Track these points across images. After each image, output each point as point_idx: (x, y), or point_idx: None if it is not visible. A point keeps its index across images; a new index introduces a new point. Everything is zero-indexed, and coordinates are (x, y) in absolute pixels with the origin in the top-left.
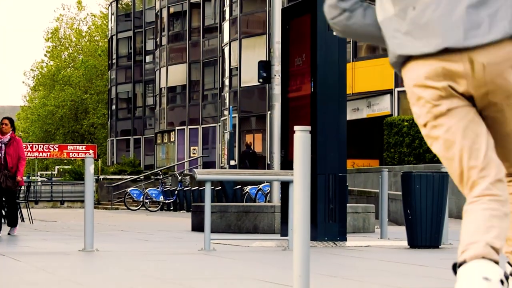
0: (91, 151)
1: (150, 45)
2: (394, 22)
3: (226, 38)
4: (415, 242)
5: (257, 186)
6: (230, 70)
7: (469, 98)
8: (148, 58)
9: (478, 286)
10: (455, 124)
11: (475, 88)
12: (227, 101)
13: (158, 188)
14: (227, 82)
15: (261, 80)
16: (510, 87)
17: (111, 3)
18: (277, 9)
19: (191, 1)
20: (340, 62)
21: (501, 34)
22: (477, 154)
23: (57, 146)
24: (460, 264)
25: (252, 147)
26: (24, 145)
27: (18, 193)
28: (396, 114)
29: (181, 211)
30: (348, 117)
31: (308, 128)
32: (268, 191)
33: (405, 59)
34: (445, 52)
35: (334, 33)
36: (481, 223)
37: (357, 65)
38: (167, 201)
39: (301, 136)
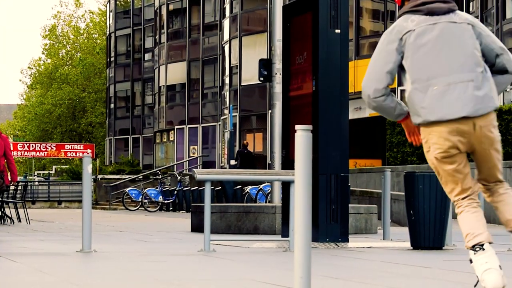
0: (89, 151)
1: (149, 43)
2: (418, 96)
3: (226, 36)
4: (418, 243)
5: (257, 186)
6: (230, 68)
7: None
8: (147, 56)
9: (492, 272)
10: (455, 162)
11: (475, 140)
12: (227, 99)
13: (157, 188)
14: (227, 80)
15: (261, 79)
16: (493, 138)
17: (109, 0)
18: (278, 7)
19: None
20: (342, 61)
21: (491, 108)
22: (469, 180)
23: (54, 145)
24: (477, 245)
25: (248, 147)
26: (21, 144)
27: (14, 193)
28: None
29: (181, 212)
30: (350, 116)
31: (310, 127)
32: (269, 191)
33: (431, 122)
34: (461, 118)
35: (367, 108)
36: (480, 220)
37: (359, 63)
38: (166, 201)
39: (303, 136)
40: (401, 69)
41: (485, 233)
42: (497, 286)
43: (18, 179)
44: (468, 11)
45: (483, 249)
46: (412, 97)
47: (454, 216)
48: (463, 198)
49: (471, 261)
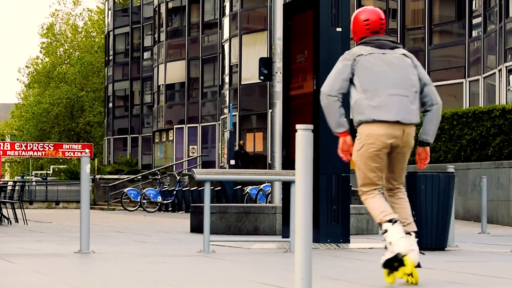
0: (87, 150)
1: (148, 41)
2: (365, 101)
3: (226, 34)
4: (420, 244)
5: (258, 187)
6: (230, 67)
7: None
8: (146, 55)
9: (405, 239)
10: (381, 161)
11: (400, 143)
12: (227, 99)
13: (156, 188)
14: (227, 79)
15: (262, 78)
16: (412, 145)
17: None
18: (278, 5)
19: None
20: None
21: (416, 121)
22: (380, 175)
23: (52, 145)
24: (393, 219)
25: (245, 147)
26: (18, 144)
27: (12, 193)
28: None
29: (180, 212)
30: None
31: (310, 126)
32: (269, 191)
33: (372, 121)
34: (396, 123)
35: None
36: (388, 204)
37: None
38: (165, 202)
39: (303, 135)
40: (351, 83)
41: (396, 214)
42: (407, 250)
43: (15, 179)
44: (471, 10)
45: (398, 223)
46: (360, 102)
47: (457, 217)
48: (374, 189)
49: (386, 231)
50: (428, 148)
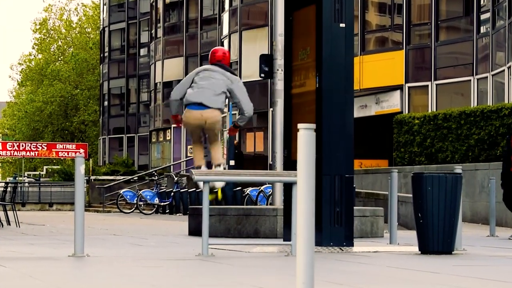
0: (81, 150)
1: (144, 38)
2: (190, 94)
3: (225, 30)
4: (426, 247)
5: (258, 188)
6: (230, 64)
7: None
8: (143, 51)
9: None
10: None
11: (205, 123)
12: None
13: (153, 189)
14: None
15: (262, 75)
16: (214, 126)
17: None
18: None
19: None
20: (347, 56)
21: (215, 106)
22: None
23: (45, 144)
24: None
25: (240, 147)
26: (10, 144)
27: (3, 195)
28: (407, 111)
29: (178, 214)
30: (355, 115)
31: (313, 126)
32: (270, 193)
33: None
34: (200, 105)
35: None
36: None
37: (365, 59)
38: (162, 204)
39: (305, 135)
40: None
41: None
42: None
43: (7, 180)
44: (479, 5)
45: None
46: (189, 93)
47: (464, 219)
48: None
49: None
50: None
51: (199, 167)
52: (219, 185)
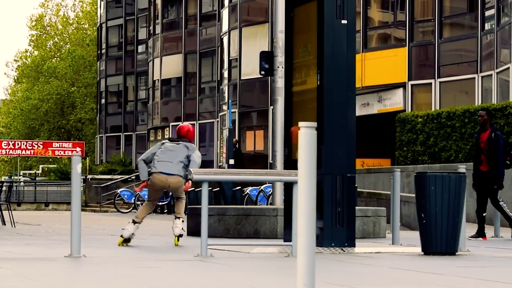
0: (78, 149)
1: (142, 34)
2: (155, 166)
3: (225, 27)
4: (429, 248)
5: (258, 187)
6: (230, 61)
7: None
8: (141, 48)
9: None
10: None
11: (169, 187)
12: (226, 95)
13: None
14: (226, 74)
15: (263, 72)
16: (179, 192)
17: None
18: None
19: None
20: (348, 53)
21: (178, 173)
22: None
23: (41, 143)
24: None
25: (238, 145)
26: (6, 142)
27: None
28: (409, 110)
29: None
30: (357, 113)
31: (314, 124)
32: (270, 192)
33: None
34: (164, 174)
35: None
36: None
37: (367, 56)
38: (160, 203)
39: (306, 133)
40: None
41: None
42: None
43: (3, 179)
44: (483, 1)
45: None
46: (154, 165)
47: (468, 220)
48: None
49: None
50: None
51: (135, 222)
52: (126, 234)
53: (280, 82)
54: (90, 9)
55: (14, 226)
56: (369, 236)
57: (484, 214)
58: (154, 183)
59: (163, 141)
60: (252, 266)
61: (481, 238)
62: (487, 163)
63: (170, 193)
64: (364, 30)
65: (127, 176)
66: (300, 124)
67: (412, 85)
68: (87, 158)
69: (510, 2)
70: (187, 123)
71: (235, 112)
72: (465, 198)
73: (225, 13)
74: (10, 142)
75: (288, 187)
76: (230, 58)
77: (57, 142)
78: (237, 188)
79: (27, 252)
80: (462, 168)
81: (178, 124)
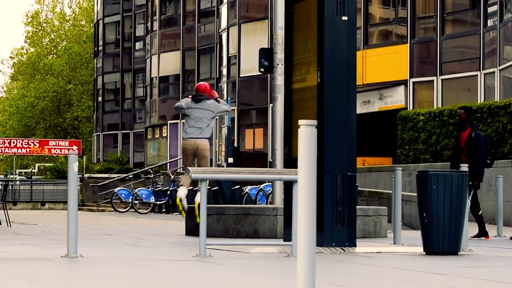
0: (75, 147)
1: (140, 31)
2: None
3: (224, 23)
4: (431, 248)
5: (257, 186)
6: (228, 58)
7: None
8: (138, 45)
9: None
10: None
11: (197, 150)
12: (224, 92)
13: (148, 188)
14: (224, 71)
15: (262, 70)
16: (203, 152)
17: None
18: None
19: None
20: (349, 50)
21: (203, 136)
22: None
23: (37, 141)
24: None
25: (234, 143)
26: (1, 140)
27: None
28: (411, 108)
29: (174, 214)
30: (358, 111)
31: (314, 122)
32: (269, 191)
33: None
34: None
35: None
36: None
37: (368, 53)
38: (158, 202)
39: (306, 131)
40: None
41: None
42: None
43: None
44: None
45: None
46: (186, 131)
47: (471, 219)
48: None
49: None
50: None
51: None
52: (181, 194)
53: (279, 80)
54: (87, 5)
55: (10, 226)
56: (370, 235)
57: (480, 213)
58: (185, 148)
59: (189, 102)
60: (252, 266)
61: (483, 238)
62: (467, 163)
63: (168, 192)
64: (365, 26)
65: (124, 175)
66: (300, 122)
67: (413, 82)
68: (84, 156)
69: None
70: (202, 82)
71: (234, 109)
72: (467, 197)
73: (224, 9)
74: (5, 140)
75: (288, 186)
76: (229, 55)
77: (54, 141)
78: (236, 187)
79: (23, 252)
80: (464, 166)
81: (177, 123)
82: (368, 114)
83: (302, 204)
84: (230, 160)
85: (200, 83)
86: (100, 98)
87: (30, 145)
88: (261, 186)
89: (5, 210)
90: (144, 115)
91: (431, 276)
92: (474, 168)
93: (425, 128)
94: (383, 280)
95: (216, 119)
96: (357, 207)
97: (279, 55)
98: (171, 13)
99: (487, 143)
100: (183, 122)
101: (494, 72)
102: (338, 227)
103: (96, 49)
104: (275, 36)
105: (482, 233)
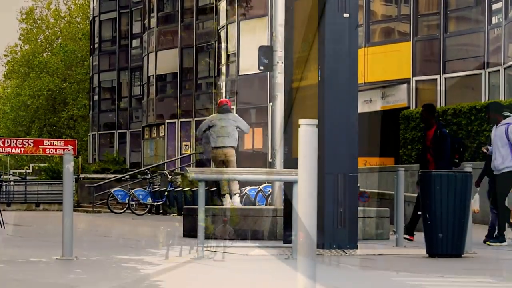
0: (70, 147)
1: (137, 28)
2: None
3: (222, 21)
4: (434, 250)
5: (257, 187)
6: (227, 56)
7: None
8: (135, 43)
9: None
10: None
11: (225, 157)
12: (223, 91)
13: (145, 188)
14: (223, 69)
15: (261, 68)
16: (230, 157)
17: None
18: None
19: None
20: (351, 48)
21: (230, 145)
22: None
23: (32, 141)
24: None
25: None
26: None
27: None
28: (414, 107)
29: (172, 215)
30: (360, 110)
31: (315, 121)
32: (269, 192)
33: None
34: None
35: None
36: None
37: (370, 51)
38: (155, 204)
39: (307, 131)
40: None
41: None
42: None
43: None
44: None
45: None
46: (215, 140)
47: (474, 220)
48: None
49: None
50: None
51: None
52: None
53: (279, 78)
54: (82, 2)
55: (4, 227)
56: (372, 237)
57: (418, 213)
58: (215, 156)
59: (212, 119)
60: (251, 268)
61: (408, 237)
62: (434, 162)
63: (166, 193)
64: (367, 24)
65: (121, 175)
66: (301, 121)
67: (416, 81)
68: (80, 156)
69: None
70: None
71: (233, 108)
72: (471, 198)
73: (222, 6)
74: None
75: (288, 187)
76: (228, 53)
77: (48, 140)
78: None
79: (17, 254)
80: (468, 167)
81: (174, 122)
82: (370, 113)
83: (302, 205)
84: None
85: (221, 99)
86: (96, 97)
87: (25, 144)
88: (261, 187)
89: None
90: (141, 114)
91: (434, 279)
92: (439, 167)
93: None
94: (385, 283)
95: None
96: (359, 208)
97: (279, 53)
98: (169, 10)
99: (454, 141)
100: (208, 133)
101: (498, 70)
102: (339, 228)
103: (92, 46)
104: (275, 33)
105: (408, 232)
